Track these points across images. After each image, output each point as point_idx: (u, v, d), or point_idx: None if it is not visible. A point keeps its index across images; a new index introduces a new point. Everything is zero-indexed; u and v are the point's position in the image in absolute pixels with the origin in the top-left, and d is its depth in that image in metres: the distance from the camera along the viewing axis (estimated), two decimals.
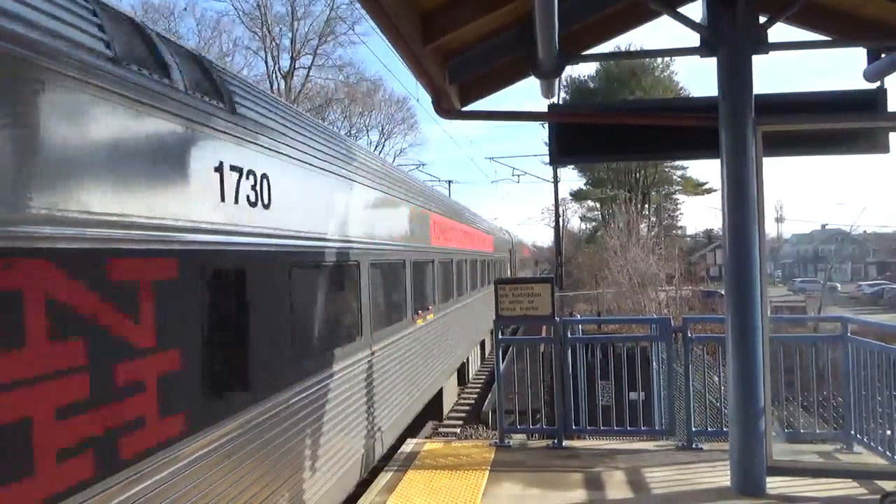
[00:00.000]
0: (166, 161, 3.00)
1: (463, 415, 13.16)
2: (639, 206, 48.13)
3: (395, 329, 6.91)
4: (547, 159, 47.32)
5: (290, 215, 4.19)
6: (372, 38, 59.97)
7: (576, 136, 5.47)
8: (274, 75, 36.59)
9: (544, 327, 15.38)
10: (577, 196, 57.68)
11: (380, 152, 48.83)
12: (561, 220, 36.43)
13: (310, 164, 4.61)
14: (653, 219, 54.31)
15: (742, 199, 4.76)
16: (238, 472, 3.46)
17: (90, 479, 2.49)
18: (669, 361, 5.99)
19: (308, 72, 37.43)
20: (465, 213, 13.52)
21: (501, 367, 6.39)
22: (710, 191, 57.01)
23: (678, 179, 56.80)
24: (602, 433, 6.17)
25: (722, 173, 4.87)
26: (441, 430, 12.00)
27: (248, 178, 3.66)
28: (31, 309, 2.27)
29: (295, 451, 4.16)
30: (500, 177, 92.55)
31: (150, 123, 2.90)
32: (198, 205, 3.19)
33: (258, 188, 3.77)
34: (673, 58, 51.29)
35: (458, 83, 5.51)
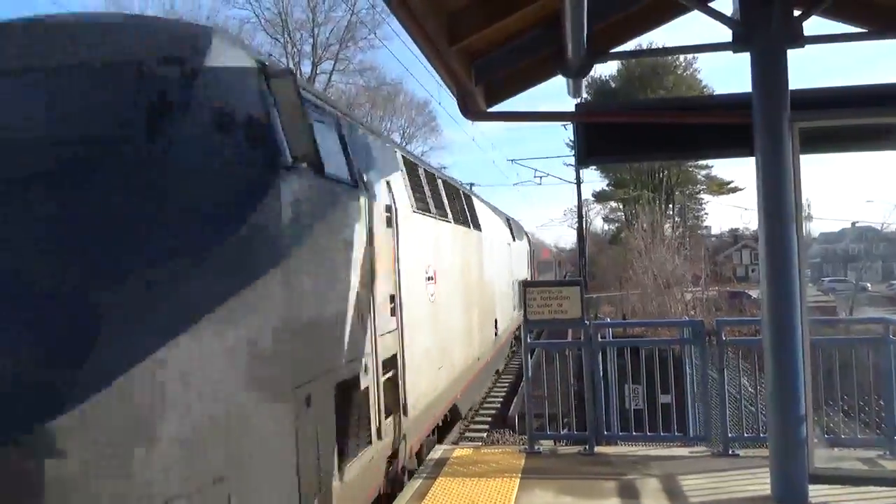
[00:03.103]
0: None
1: (489, 419, 13.06)
2: (663, 206, 47.61)
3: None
4: (570, 160, 47.02)
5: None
6: (393, 42, 60.12)
7: (604, 135, 5.36)
8: None
9: (570, 330, 15.34)
10: (600, 197, 57.28)
11: None
12: (584, 221, 36.13)
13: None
14: (677, 219, 53.71)
15: (778, 197, 4.61)
16: None
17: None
18: (704, 365, 5.84)
19: (329, 77, 37.68)
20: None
21: (530, 371, 6.29)
22: (735, 190, 56.26)
23: (703, 179, 56.10)
24: (634, 439, 6.04)
25: (757, 172, 4.73)
26: (468, 434, 11.92)
27: None
28: None
29: None
30: (522, 178, 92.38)
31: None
32: None
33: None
34: (695, 56, 50.68)
35: (484, 84, 5.44)
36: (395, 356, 5.11)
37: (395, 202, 5.44)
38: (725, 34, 4.77)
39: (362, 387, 4.16)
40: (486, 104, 5.64)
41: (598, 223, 72.79)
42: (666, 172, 52.62)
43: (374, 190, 4.82)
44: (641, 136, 5.48)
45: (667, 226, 43.93)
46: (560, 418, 6.69)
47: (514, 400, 13.76)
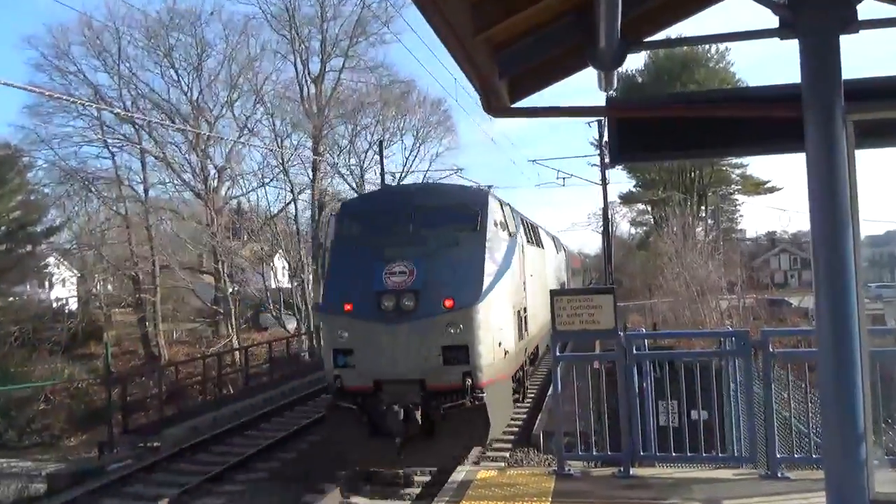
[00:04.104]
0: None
1: (511, 437, 12.93)
2: (695, 207, 47.20)
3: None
4: (595, 160, 46.77)
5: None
6: (407, 36, 60.29)
7: (638, 131, 5.25)
8: (304, 79, 37.03)
9: (598, 342, 15.21)
10: (627, 199, 56.90)
11: (414, 157, 48.90)
12: (610, 225, 35.85)
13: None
14: (710, 221, 53.17)
15: (832, 197, 4.47)
16: None
17: None
18: (749, 379, 5.71)
19: (339, 75, 37.78)
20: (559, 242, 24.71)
21: (559, 386, 6.19)
22: (772, 190, 55.65)
23: (737, 178, 55.46)
24: (674, 460, 5.91)
25: (808, 170, 4.59)
26: (489, 453, 11.80)
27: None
28: None
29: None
30: (544, 180, 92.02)
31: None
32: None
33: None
34: (728, 47, 50.31)
35: (508, 78, 5.35)
36: (523, 309, 12.66)
37: (520, 239, 12.99)
38: (767, 20, 4.65)
39: (520, 320, 12.09)
40: (511, 100, 5.56)
41: (624, 227, 72.23)
42: (697, 172, 52.15)
43: (519, 236, 12.72)
44: (678, 131, 5.36)
45: (699, 229, 43.59)
46: (592, 436, 6.56)
47: (539, 416, 13.60)
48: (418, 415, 9.88)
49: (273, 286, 37.29)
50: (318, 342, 31.74)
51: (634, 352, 5.92)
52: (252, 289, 36.22)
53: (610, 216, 36.19)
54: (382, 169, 33.24)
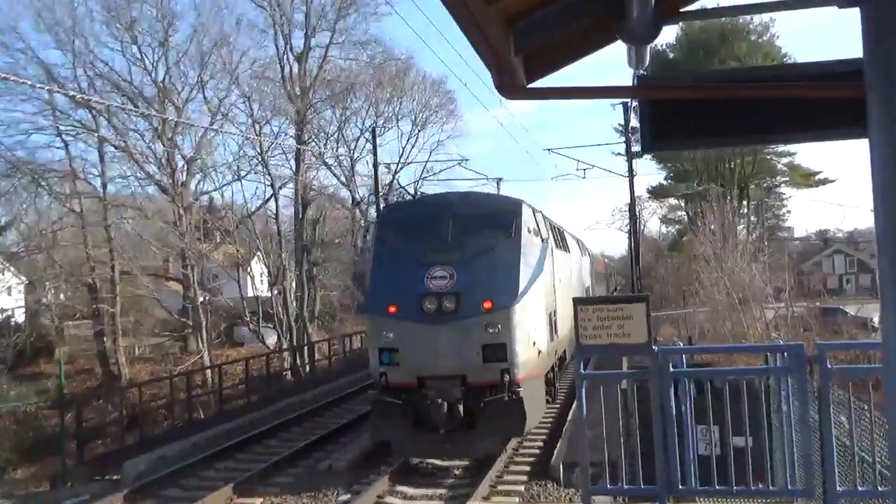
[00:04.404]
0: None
1: (526, 468, 12.94)
2: (735, 203, 47.11)
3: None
4: (620, 148, 46.81)
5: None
6: (403, 4, 60.36)
7: (674, 115, 5.21)
8: (286, 57, 37.08)
9: (624, 359, 15.25)
10: (657, 193, 56.88)
11: (412, 146, 48.96)
12: (637, 222, 35.85)
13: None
14: (753, 218, 53.13)
15: None
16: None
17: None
18: (804, 400, 5.69)
19: (326, 51, 37.90)
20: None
21: (584, 408, 6.17)
22: (824, 181, 55.61)
23: (784, 169, 55.37)
24: (717, 494, 5.89)
25: (871, 157, 4.57)
26: (500, 486, 11.80)
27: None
28: None
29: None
30: (561, 171, 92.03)
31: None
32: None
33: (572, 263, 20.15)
34: (773, 17, 50.27)
35: (524, 55, 5.33)
36: (553, 312, 14.67)
37: (551, 244, 15.00)
38: None
39: (552, 322, 14.41)
40: (527, 79, 5.53)
41: (654, 225, 72.38)
42: (738, 161, 52.12)
43: (549, 241, 14.91)
44: (719, 114, 5.33)
45: (740, 227, 43.56)
46: (621, 467, 6.55)
47: (559, 445, 13.57)
48: (461, 408, 12.24)
49: (250, 295, 37.33)
50: (302, 359, 31.77)
51: (671, 369, 5.90)
52: (226, 298, 36.33)
53: (637, 213, 36.17)
54: (376, 159, 33.35)
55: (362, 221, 52.21)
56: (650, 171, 74.74)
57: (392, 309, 12.72)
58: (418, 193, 54.61)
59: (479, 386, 12.32)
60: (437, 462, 13.39)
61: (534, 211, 14.76)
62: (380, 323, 12.91)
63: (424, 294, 12.53)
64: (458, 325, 12.34)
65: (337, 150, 43.11)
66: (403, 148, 52.11)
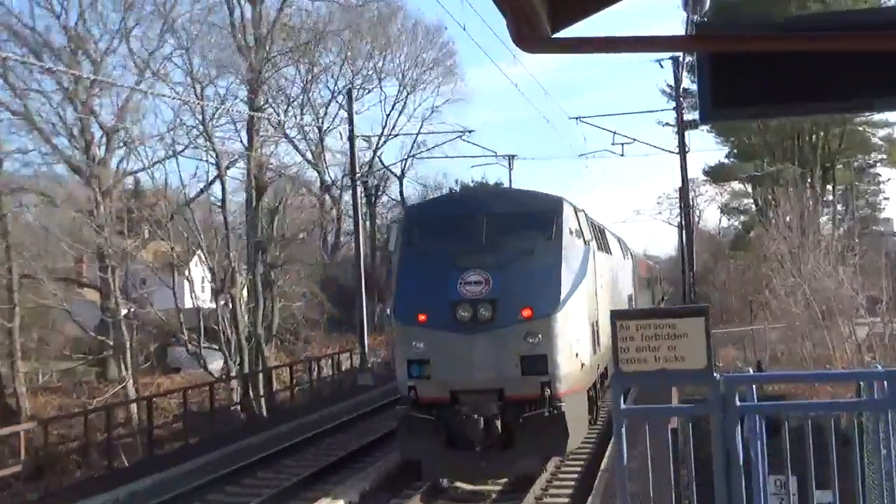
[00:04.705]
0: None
1: (568, 490, 14.09)
2: (817, 187, 47.24)
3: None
4: (668, 117, 46.86)
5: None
6: None
7: (744, 73, 5.24)
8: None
9: (675, 390, 15.31)
10: (717, 175, 56.98)
11: (399, 114, 49.04)
12: (691, 214, 35.97)
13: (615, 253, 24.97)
14: (840, 207, 53.28)
15: None
16: None
17: None
18: None
19: None
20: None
21: (625, 455, 6.20)
22: None
23: (880, 143, 55.37)
24: None
25: None
26: None
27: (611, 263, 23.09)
28: None
29: None
30: (592, 146, 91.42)
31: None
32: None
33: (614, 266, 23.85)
34: None
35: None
36: (596, 322, 16.94)
37: (593, 246, 17.42)
38: None
39: (595, 333, 16.82)
40: (552, 28, 5.56)
41: (711, 217, 72.56)
42: (822, 134, 52.20)
43: (591, 243, 17.36)
44: (800, 73, 5.36)
45: (824, 218, 43.68)
46: None
47: (591, 497, 13.74)
48: (498, 424, 14.07)
49: (189, 306, 37.37)
50: (256, 390, 31.81)
51: (737, 403, 5.93)
52: (157, 310, 36.32)
53: (691, 200, 36.31)
54: (352, 131, 33.44)
55: (333, 211, 52.33)
56: (708, 147, 74.98)
57: (422, 317, 14.68)
58: (406, 173, 54.84)
59: (518, 400, 14.28)
60: (466, 486, 15.55)
61: (575, 209, 16.70)
62: (408, 333, 14.97)
63: (458, 301, 14.39)
64: (494, 334, 14.26)
65: (301, 119, 43.19)
66: (388, 116, 52.50)
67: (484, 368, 14.26)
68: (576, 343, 14.93)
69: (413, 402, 14.46)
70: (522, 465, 14.54)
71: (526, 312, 14.33)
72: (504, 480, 15.60)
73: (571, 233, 15.78)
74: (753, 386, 6.28)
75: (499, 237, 15.26)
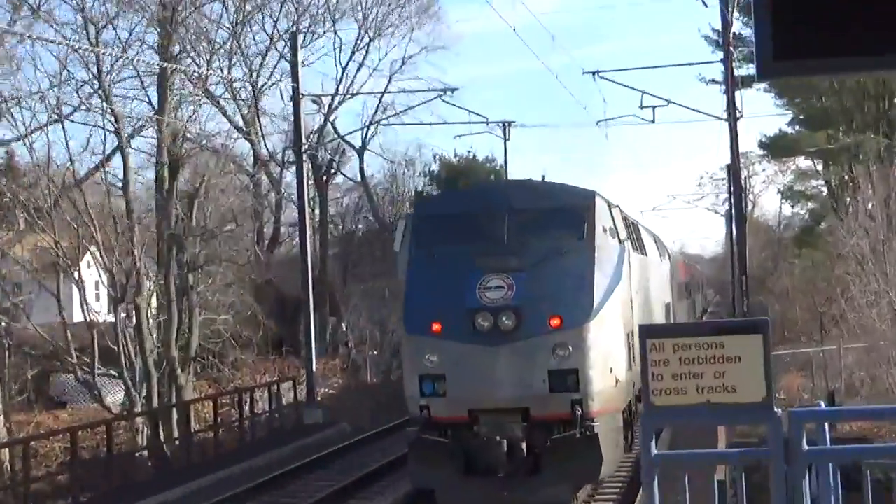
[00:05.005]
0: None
1: None
2: None
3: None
4: (713, 72, 47.05)
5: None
6: None
7: (817, 15, 5.28)
8: None
9: (722, 430, 15.33)
10: (777, 148, 57.25)
11: (359, 66, 48.98)
12: (743, 199, 36.13)
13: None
14: None
15: None
16: None
17: None
18: None
19: None
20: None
21: None
22: None
23: None
24: None
25: None
26: None
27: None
28: None
29: None
30: (613, 109, 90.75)
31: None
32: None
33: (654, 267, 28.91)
34: None
35: None
36: (631, 333, 18.12)
37: (627, 246, 19.76)
38: None
39: (630, 345, 18.27)
40: None
41: (769, 203, 73.01)
42: None
43: (626, 243, 19.80)
44: (892, 16, 5.42)
45: None
46: None
47: None
48: (523, 447, 15.78)
49: (79, 320, 37.21)
50: (169, 430, 31.69)
51: (803, 447, 5.98)
52: (36, 325, 36.10)
53: (743, 182, 36.37)
54: (297, 88, 33.33)
55: (272, 194, 52.18)
56: (766, 111, 75.22)
57: (436, 327, 16.48)
58: (368, 145, 54.88)
59: (545, 421, 16.05)
60: None
61: (609, 205, 18.65)
62: (420, 344, 16.83)
63: (476, 309, 16.18)
64: (519, 346, 16.08)
65: (230, 73, 43.14)
66: (344, 69, 52.31)
67: (507, 385, 16.00)
68: (610, 356, 16.56)
69: (425, 422, 16.17)
70: (550, 493, 15.95)
71: (554, 321, 16.14)
72: None
73: (605, 231, 17.60)
74: (826, 425, 6.33)
75: (523, 236, 17.13)
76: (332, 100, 48.54)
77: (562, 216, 17.50)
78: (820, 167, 57.09)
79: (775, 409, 6.01)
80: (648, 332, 6.12)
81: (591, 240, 17.09)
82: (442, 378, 16.09)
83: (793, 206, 65.58)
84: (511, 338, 15.83)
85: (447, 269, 16.74)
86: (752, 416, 6.28)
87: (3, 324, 35.32)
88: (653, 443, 6.15)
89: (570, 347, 15.85)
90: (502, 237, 17.14)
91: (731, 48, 35.47)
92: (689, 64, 71.44)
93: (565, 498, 16.49)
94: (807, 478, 5.97)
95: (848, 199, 35.42)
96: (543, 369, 15.87)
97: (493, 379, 15.93)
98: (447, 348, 16.16)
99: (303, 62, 34.86)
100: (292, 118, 33.92)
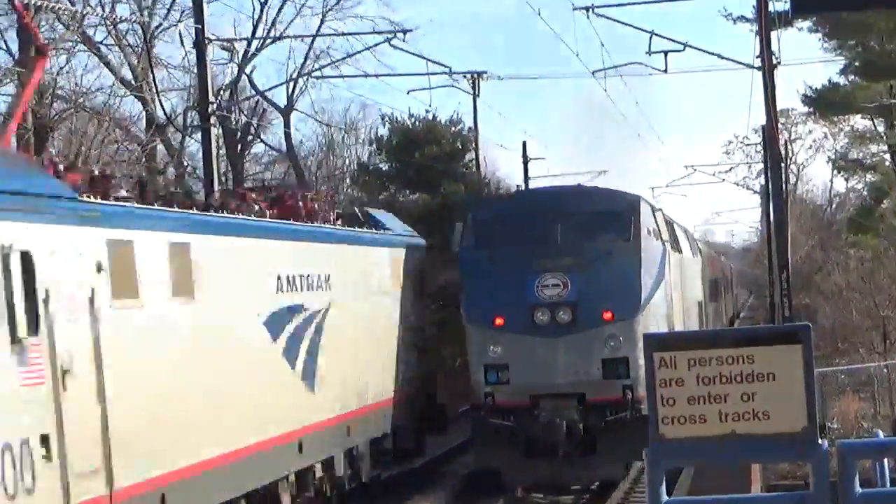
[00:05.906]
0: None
1: None
2: None
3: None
4: (739, 8, 47.51)
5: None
6: None
7: None
8: None
9: (757, 468, 15.50)
10: (826, 104, 57.53)
11: (280, 7, 49.05)
12: (783, 170, 36.41)
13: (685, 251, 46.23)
14: None
15: None
16: None
17: None
18: None
19: None
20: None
21: None
22: None
23: None
24: None
25: None
26: None
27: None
28: None
29: None
30: (616, 56, 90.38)
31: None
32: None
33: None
34: None
35: None
36: (672, 326, 33.09)
37: (668, 247, 33.73)
38: None
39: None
40: None
41: (817, 175, 73.62)
42: None
43: (667, 244, 33.61)
44: None
45: None
46: None
47: None
48: (580, 428, 22.73)
49: None
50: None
51: (857, 489, 6.01)
52: None
53: (783, 148, 36.59)
54: (201, 30, 33.26)
55: (171, 168, 52.04)
56: (811, 57, 75.61)
57: (499, 321, 24.12)
58: (296, 104, 54.99)
59: (599, 404, 23.14)
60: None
61: (653, 209, 25.71)
62: (484, 336, 24.63)
63: (535, 304, 23.96)
64: (576, 337, 23.74)
65: (113, 10, 43.09)
66: (264, 4, 52.13)
67: (565, 372, 23.41)
68: None
69: (490, 408, 23.53)
70: (606, 471, 22.96)
71: (607, 315, 23.68)
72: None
73: (649, 233, 24.16)
74: (885, 461, 6.36)
75: (575, 238, 24.58)
76: (249, 45, 48.57)
77: (610, 219, 25.16)
78: (882, 128, 57.18)
79: (820, 442, 6.03)
80: (656, 343, 6.08)
81: (638, 241, 24.03)
82: (505, 367, 23.43)
83: (847, 180, 65.96)
84: (568, 330, 23.27)
85: (506, 267, 24.15)
86: (789, 451, 6.27)
87: None
88: (662, 488, 6.15)
89: (621, 338, 23.04)
90: (556, 239, 24.89)
91: None
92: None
93: (618, 475, 22.49)
94: None
95: None
96: (598, 358, 23.01)
97: (553, 367, 23.14)
98: (510, 340, 23.74)
99: None
100: (196, 70, 33.85)
